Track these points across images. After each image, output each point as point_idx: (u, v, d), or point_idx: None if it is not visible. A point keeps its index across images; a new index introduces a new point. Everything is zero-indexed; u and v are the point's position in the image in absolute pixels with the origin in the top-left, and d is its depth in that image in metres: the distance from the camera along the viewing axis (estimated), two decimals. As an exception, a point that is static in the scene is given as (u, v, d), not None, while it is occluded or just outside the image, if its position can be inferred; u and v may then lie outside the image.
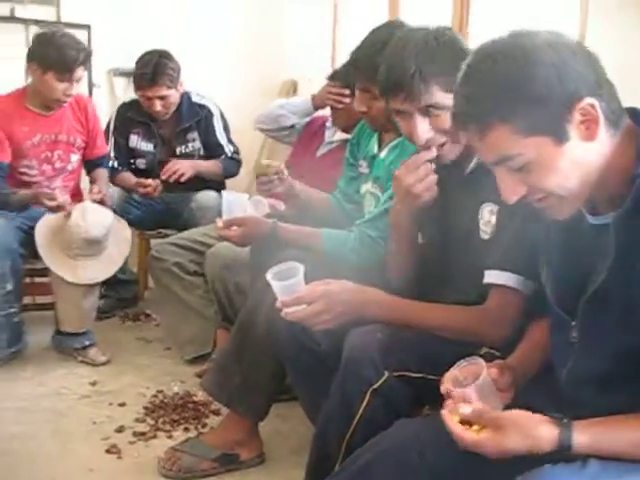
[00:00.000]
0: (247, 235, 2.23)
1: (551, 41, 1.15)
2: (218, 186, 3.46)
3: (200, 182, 3.40)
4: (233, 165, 3.53)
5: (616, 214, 1.17)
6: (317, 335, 1.77)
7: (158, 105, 3.31)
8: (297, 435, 2.36)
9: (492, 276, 1.59)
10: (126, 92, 3.52)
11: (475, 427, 1.20)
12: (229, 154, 3.51)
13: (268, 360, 2.05)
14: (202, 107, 3.47)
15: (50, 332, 3.14)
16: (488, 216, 1.65)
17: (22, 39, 3.69)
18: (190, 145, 3.46)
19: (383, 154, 2.22)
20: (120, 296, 3.54)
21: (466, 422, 1.22)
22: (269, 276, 1.66)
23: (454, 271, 1.74)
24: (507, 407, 1.28)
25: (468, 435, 1.19)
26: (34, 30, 3.56)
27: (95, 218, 2.92)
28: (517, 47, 1.15)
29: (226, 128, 3.52)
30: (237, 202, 2.30)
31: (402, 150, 2.12)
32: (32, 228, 2.93)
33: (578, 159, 1.15)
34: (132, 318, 3.53)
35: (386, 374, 1.54)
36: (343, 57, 3.26)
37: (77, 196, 3.21)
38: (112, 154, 3.44)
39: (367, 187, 2.25)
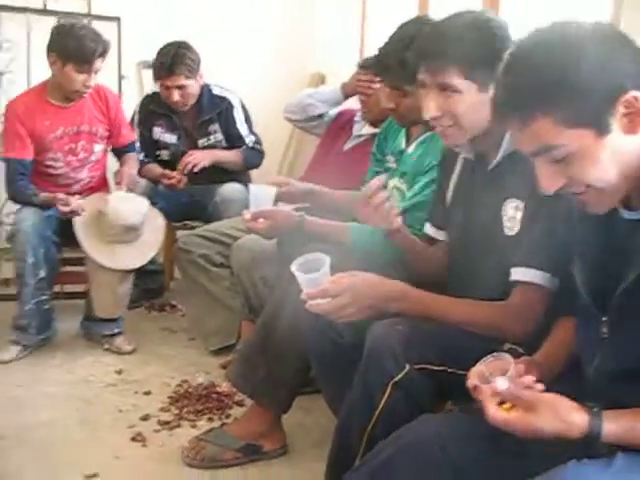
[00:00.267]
0: (274, 228, 2.24)
1: (596, 32, 1.14)
2: (244, 179, 3.48)
3: (225, 175, 3.42)
4: (255, 155, 3.53)
5: None
6: (341, 327, 1.77)
7: (176, 95, 3.33)
8: (319, 428, 2.38)
9: (518, 273, 1.59)
10: (155, 84, 3.56)
11: (505, 406, 1.20)
12: (250, 144, 3.51)
13: (293, 353, 2.06)
14: (222, 99, 3.48)
15: (77, 320, 3.19)
16: (512, 212, 1.64)
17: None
18: (212, 137, 3.48)
19: (411, 149, 2.22)
20: (146, 286, 3.57)
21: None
22: (294, 267, 1.65)
23: (477, 266, 1.73)
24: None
25: (500, 413, 1.19)
26: (65, 22, 3.60)
27: (132, 205, 2.99)
28: (561, 38, 1.14)
29: (247, 119, 3.53)
30: (264, 195, 2.30)
31: (429, 145, 2.12)
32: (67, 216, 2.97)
33: (619, 152, 1.14)
34: (158, 308, 3.57)
35: (407, 367, 1.54)
36: (371, 51, 3.26)
37: (104, 185, 3.26)
38: (137, 146, 3.47)
39: (394, 182, 2.25)
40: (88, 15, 3.81)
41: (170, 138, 3.50)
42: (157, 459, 2.23)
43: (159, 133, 3.51)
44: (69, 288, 3.47)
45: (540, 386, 1.23)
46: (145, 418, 2.46)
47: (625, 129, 1.13)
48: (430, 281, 1.80)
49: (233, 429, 2.24)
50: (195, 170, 3.33)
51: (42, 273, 2.90)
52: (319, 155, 3.20)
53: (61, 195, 2.94)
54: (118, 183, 3.13)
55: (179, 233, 3.53)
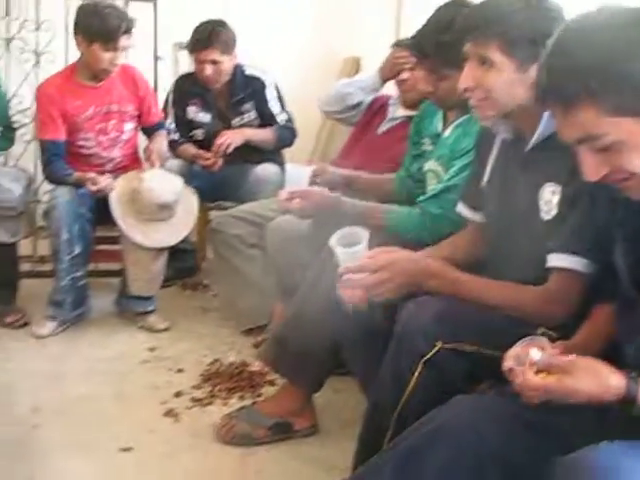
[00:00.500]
0: (309, 207, 2.25)
1: None
2: (278, 160, 3.49)
3: (259, 155, 3.43)
4: (287, 133, 3.52)
5: None
6: (374, 305, 1.77)
7: (209, 69, 3.34)
8: (349, 408, 2.39)
9: (556, 259, 1.58)
10: (190, 66, 3.57)
11: (542, 375, 1.21)
12: (282, 122, 3.51)
13: (326, 333, 2.06)
14: (255, 79, 3.48)
15: (112, 298, 3.24)
16: (549, 196, 1.62)
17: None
18: (245, 116, 3.48)
19: (447, 132, 2.21)
20: (179, 265, 3.59)
21: None
22: (333, 241, 1.65)
23: (513, 250, 1.72)
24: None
25: (537, 380, 1.20)
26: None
27: (166, 184, 3.03)
28: (610, 23, 1.12)
29: (280, 98, 3.52)
30: (300, 175, 2.31)
31: (466, 128, 2.11)
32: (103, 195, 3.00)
33: None
34: (191, 287, 3.60)
35: (438, 345, 1.53)
36: (408, 34, 3.24)
37: (136, 163, 3.29)
38: (172, 126, 3.51)
39: (430, 165, 2.25)
40: (125, -4, 3.83)
41: (204, 117, 3.52)
42: (189, 435, 2.26)
43: (193, 112, 3.53)
44: (103, 266, 3.51)
45: (574, 355, 1.23)
46: (178, 395, 2.50)
47: None
48: (462, 263, 1.80)
49: (264, 407, 2.26)
50: (228, 151, 3.34)
51: (77, 249, 2.94)
52: (352, 139, 3.19)
53: (91, 174, 2.98)
54: (147, 159, 3.16)
55: (212, 214, 3.55)
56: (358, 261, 1.64)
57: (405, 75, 2.83)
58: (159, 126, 3.35)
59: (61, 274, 2.94)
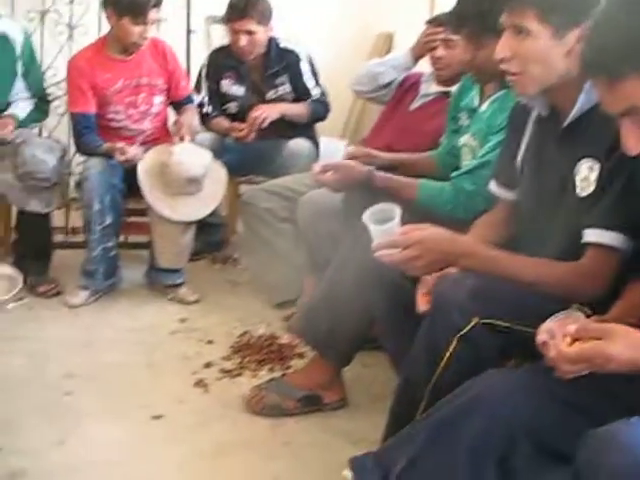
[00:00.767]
0: (342, 180, 2.24)
1: None
2: (311, 134, 3.47)
3: (293, 129, 3.41)
4: (321, 107, 3.50)
5: None
6: (408, 280, 1.77)
7: (244, 40, 3.32)
8: (379, 383, 2.40)
9: (592, 235, 1.56)
10: (223, 40, 3.56)
11: (576, 344, 1.21)
12: (316, 97, 3.49)
13: (357, 307, 2.07)
14: (290, 52, 3.46)
15: (142, 270, 3.26)
16: (586, 172, 1.60)
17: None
18: (280, 89, 3.47)
19: (484, 107, 2.19)
20: (208, 239, 3.60)
21: None
22: (366, 217, 1.65)
23: (547, 228, 1.70)
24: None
25: (571, 349, 1.20)
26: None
27: (194, 158, 3.02)
28: None
29: (314, 72, 3.51)
30: (335, 148, 2.31)
31: (502, 104, 2.09)
32: (132, 166, 3.03)
33: None
34: (221, 261, 3.62)
35: (474, 321, 1.52)
36: (442, 9, 3.21)
37: (165, 136, 3.30)
38: (206, 99, 3.51)
39: (465, 139, 2.23)
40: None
41: (238, 90, 3.51)
42: (219, 405, 2.29)
43: (227, 86, 3.52)
44: (133, 239, 3.54)
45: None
46: (208, 365, 2.52)
47: None
48: (495, 242, 1.79)
49: (294, 379, 2.28)
50: (264, 125, 3.34)
51: (108, 220, 2.97)
52: (383, 117, 3.15)
53: (119, 144, 3.01)
54: (177, 133, 3.16)
55: (243, 187, 3.56)
56: (390, 237, 1.64)
57: (439, 52, 2.80)
58: (188, 100, 3.35)
59: (93, 244, 2.98)
